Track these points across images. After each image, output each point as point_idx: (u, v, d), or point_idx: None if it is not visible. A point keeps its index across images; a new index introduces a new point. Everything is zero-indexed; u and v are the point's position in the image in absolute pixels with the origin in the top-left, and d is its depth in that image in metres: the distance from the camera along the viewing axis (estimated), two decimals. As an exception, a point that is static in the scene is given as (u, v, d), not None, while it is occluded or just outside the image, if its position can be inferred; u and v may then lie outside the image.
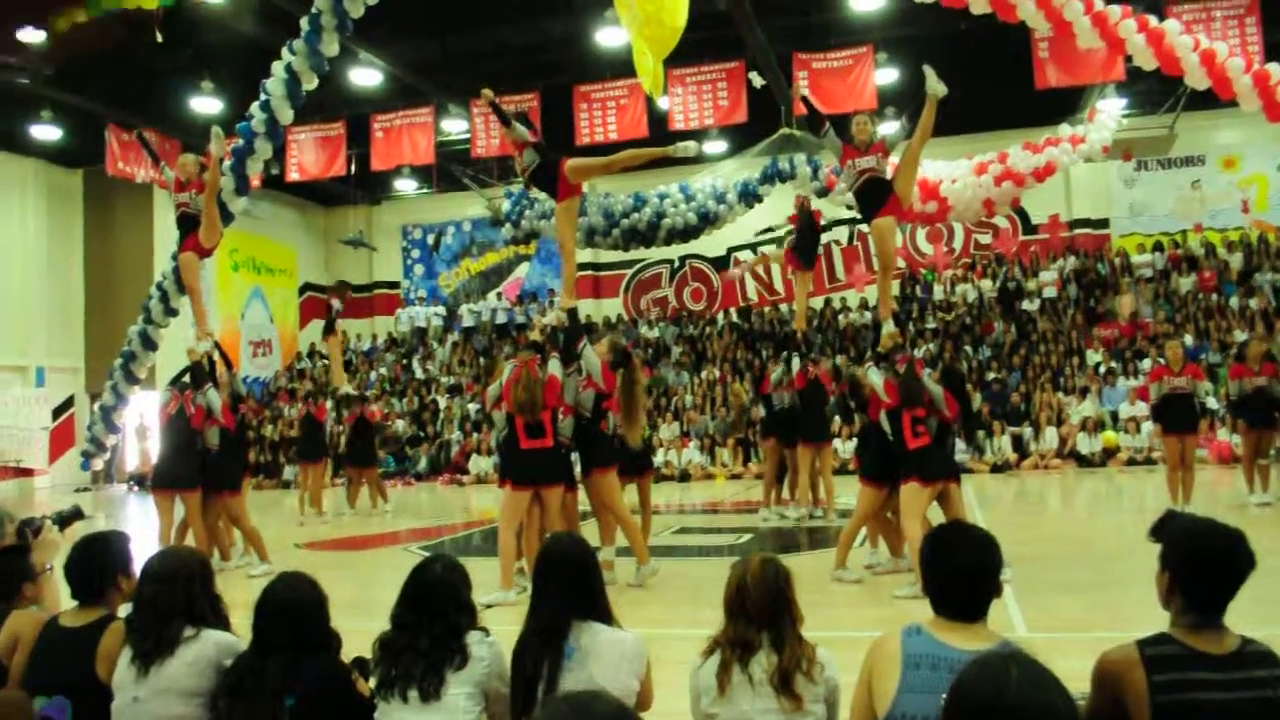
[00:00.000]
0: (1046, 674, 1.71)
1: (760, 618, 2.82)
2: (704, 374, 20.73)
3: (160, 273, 15.74)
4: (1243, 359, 10.89)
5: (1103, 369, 17.78)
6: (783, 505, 11.04)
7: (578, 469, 7.73)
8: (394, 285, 26.71)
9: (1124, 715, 2.38)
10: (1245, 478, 10.56)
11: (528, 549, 7.05)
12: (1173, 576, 2.47)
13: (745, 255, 23.69)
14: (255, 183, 14.85)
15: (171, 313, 15.25)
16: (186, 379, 8.96)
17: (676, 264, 24.39)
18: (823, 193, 16.68)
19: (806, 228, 11.65)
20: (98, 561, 3.31)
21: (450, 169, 20.90)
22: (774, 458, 10.96)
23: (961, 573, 2.55)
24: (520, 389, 7.05)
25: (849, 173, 7.99)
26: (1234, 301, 18.73)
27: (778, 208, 20.83)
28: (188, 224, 9.49)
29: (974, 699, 1.70)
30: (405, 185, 24.30)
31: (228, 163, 12.37)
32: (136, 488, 18.96)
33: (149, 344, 15.84)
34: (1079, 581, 6.93)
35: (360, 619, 3.58)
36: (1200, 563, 2.44)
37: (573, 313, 7.84)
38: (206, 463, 8.62)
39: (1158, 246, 20.97)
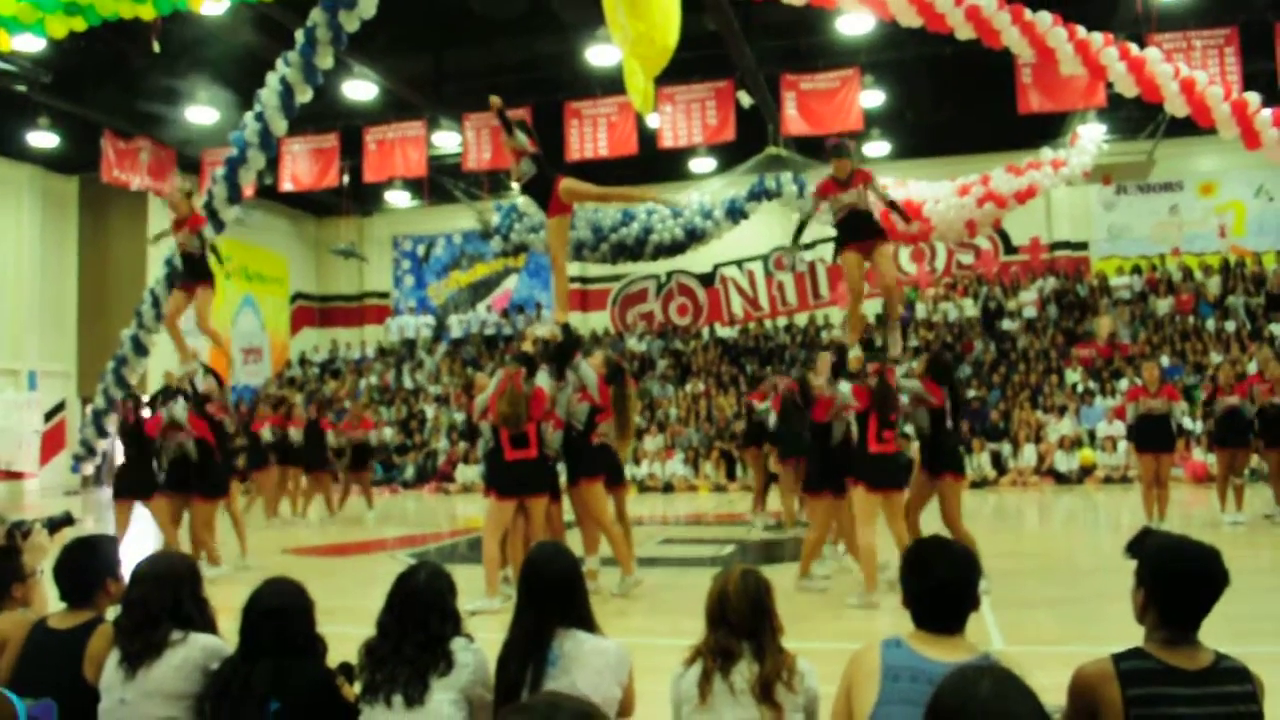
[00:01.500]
0: (1018, 686, 1.75)
1: (741, 627, 2.86)
2: (689, 387, 20.93)
3: (153, 279, 15.85)
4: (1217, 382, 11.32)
5: (1080, 388, 18.06)
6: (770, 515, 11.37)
7: (563, 479, 7.89)
8: (384, 295, 26.81)
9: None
10: (1219, 496, 10.82)
11: (513, 558, 7.15)
12: (1148, 592, 2.50)
13: (731, 271, 23.99)
14: (248, 192, 14.99)
15: (163, 319, 15.36)
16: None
17: (663, 279, 24.60)
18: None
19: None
20: (86, 564, 3.31)
21: (441, 182, 21.06)
22: (757, 466, 11.34)
23: (941, 586, 2.60)
24: (505, 402, 7.15)
25: (832, 206, 8.07)
26: (1210, 324, 19.07)
27: (764, 225, 21.19)
28: (187, 264, 9.67)
29: (944, 709, 1.75)
30: (397, 197, 24.44)
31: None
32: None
33: (141, 349, 15.95)
34: (1055, 596, 7.07)
35: (345, 625, 3.57)
36: (1175, 579, 2.47)
37: (566, 327, 7.98)
38: (190, 470, 8.86)
39: (1136, 269, 21.31)
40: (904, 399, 7.33)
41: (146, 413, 9.31)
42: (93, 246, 21.48)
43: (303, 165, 18.53)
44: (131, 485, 8.88)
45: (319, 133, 18.31)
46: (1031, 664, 2.95)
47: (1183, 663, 2.41)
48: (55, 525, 3.93)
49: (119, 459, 9.47)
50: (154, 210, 21.10)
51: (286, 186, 18.90)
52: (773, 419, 10.62)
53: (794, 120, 16.26)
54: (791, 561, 9.18)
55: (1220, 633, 2.61)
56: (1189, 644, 2.46)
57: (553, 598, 3.09)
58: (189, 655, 3.04)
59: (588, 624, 3.13)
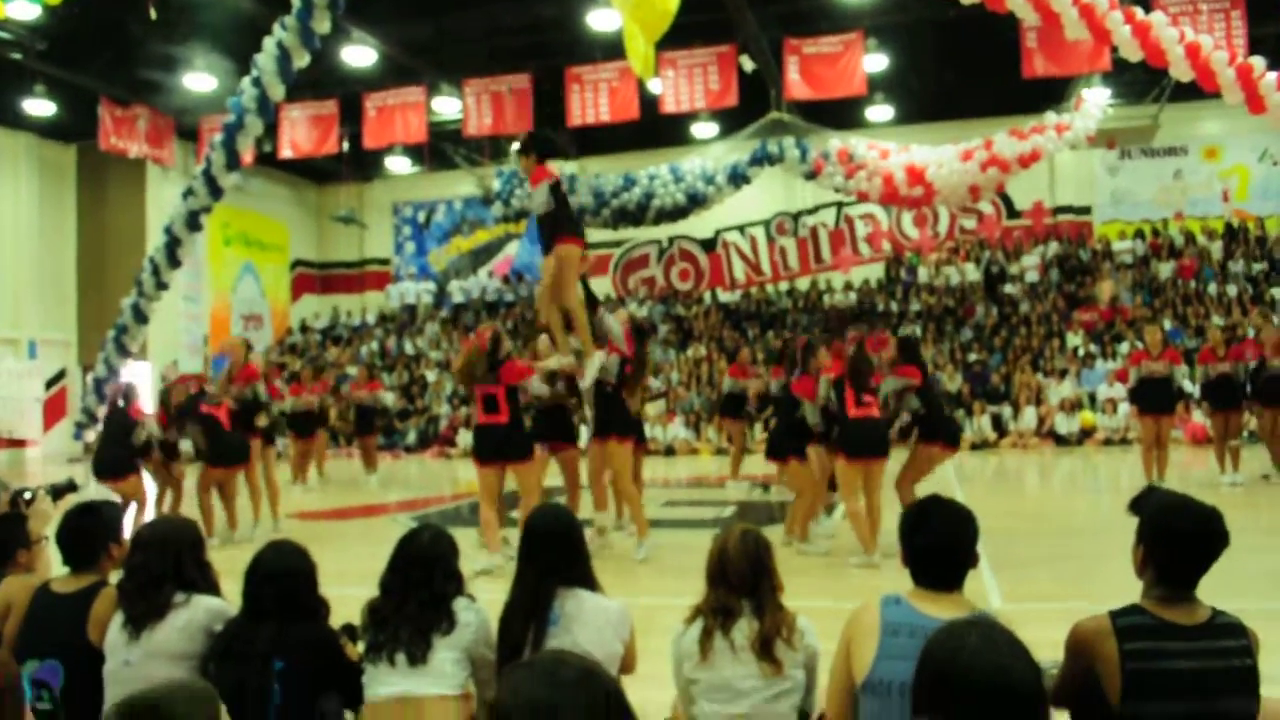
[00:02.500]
0: (1007, 640, 1.75)
1: (741, 586, 2.89)
2: (690, 352, 20.95)
3: (153, 246, 15.82)
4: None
5: (1081, 352, 18.09)
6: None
7: (584, 433, 7.95)
8: (385, 262, 26.77)
9: (1096, 683, 2.47)
10: (1216, 458, 10.88)
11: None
12: (1147, 549, 2.54)
13: (733, 236, 23.94)
14: (247, 159, 14.91)
15: (163, 286, 15.31)
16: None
17: (665, 244, 24.53)
18: (810, 176, 16.89)
19: None
20: (90, 529, 3.35)
21: (442, 148, 20.98)
22: (737, 434, 12.05)
23: (940, 545, 2.64)
24: (461, 356, 7.27)
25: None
26: (1212, 288, 19.04)
27: (766, 190, 21.12)
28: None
29: (933, 661, 1.76)
30: (397, 163, 24.35)
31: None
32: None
33: (141, 317, 15.90)
34: (1054, 555, 7.12)
35: (348, 587, 3.60)
36: (1175, 538, 2.50)
37: (585, 283, 8.06)
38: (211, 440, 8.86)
39: (1139, 234, 21.24)
40: (887, 390, 7.31)
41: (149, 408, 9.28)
42: (91, 215, 21.41)
43: (302, 132, 18.44)
44: (103, 466, 8.76)
45: (318, 99, 18.22)
46: (1030, 621, 2.99)
47: (1179, 618, 2.46)
48: (59, 492, 3.98)
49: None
50: (152, 178, 21.03)
51: (286, 153, 18.83)
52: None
53: (797, 85, 16.15)
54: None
55: (1216, 589, 2.63)
56: (1186, 601, 2.50)
57: (553, 558, 3.13)
58: (193, 617, 3.08)
59: (589, 583, 3.17)
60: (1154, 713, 2.40)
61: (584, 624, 3.03)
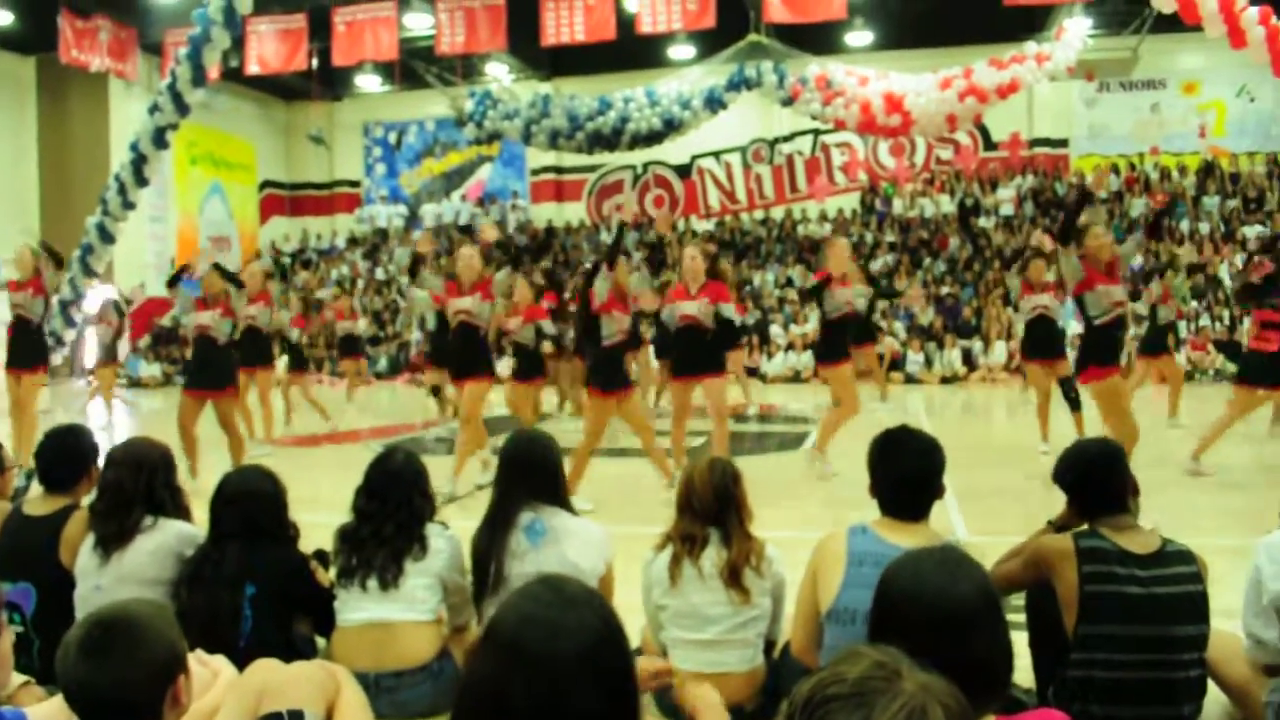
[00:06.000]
0: (962, 563, 1.73)
1: (707, 514, 2.93)
2: (664, 279, 20.84)
3: (118, 164, 15.47)
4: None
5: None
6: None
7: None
8: (355, 184, 26.34)
9: (1050, 596, 2.62)
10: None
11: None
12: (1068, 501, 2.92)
13: (708, 163, 23.72)
14: (213, 75, 14.52)
15: (129, 206, 14.98)
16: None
17: (640, 170, 24.29)
18: (787, 102, 16.68)
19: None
20: (68, 452, 3.36)
21: (413, 66, 20.51)
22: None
23: (907, 475, 2.69)
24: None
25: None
26: (1184, 225, 19.14)
27: (743, 116, 20.86)
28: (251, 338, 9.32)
29: (887, 588, 1.75)
30: (367, 81, 23.82)
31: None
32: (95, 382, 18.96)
33: (107, 237, 15.59)
34: (1019, 488, 7.23)
35: (320, 514, 3.59)
36: (1080, 480, 2.85)
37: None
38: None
39: (1114, 169, 21.25)
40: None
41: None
42: (53, 131, 20.83)
43: (269, 47, 17.93)
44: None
45: (286, 12, 17.69)
46: (995, 552, 3.05)
47: (1135, 547, 2.60)
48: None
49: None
50: (115, 93, 20.45)
51: (253, 69, 18.29)
52: None
53: (776, 8, 15.84)
54: (759, 454, 9.43)
55: (1171, 525, 2.74)
56: (1137, 529, 2.66)
57: (528, 484, 3.17)
58: (163, 541, 3.08)
59: (567, 508, 3.22)
60: (1109, 635, 2.52)
61: (571, 537, 3.08)
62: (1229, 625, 2.91)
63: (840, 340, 7.77)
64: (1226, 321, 16.87)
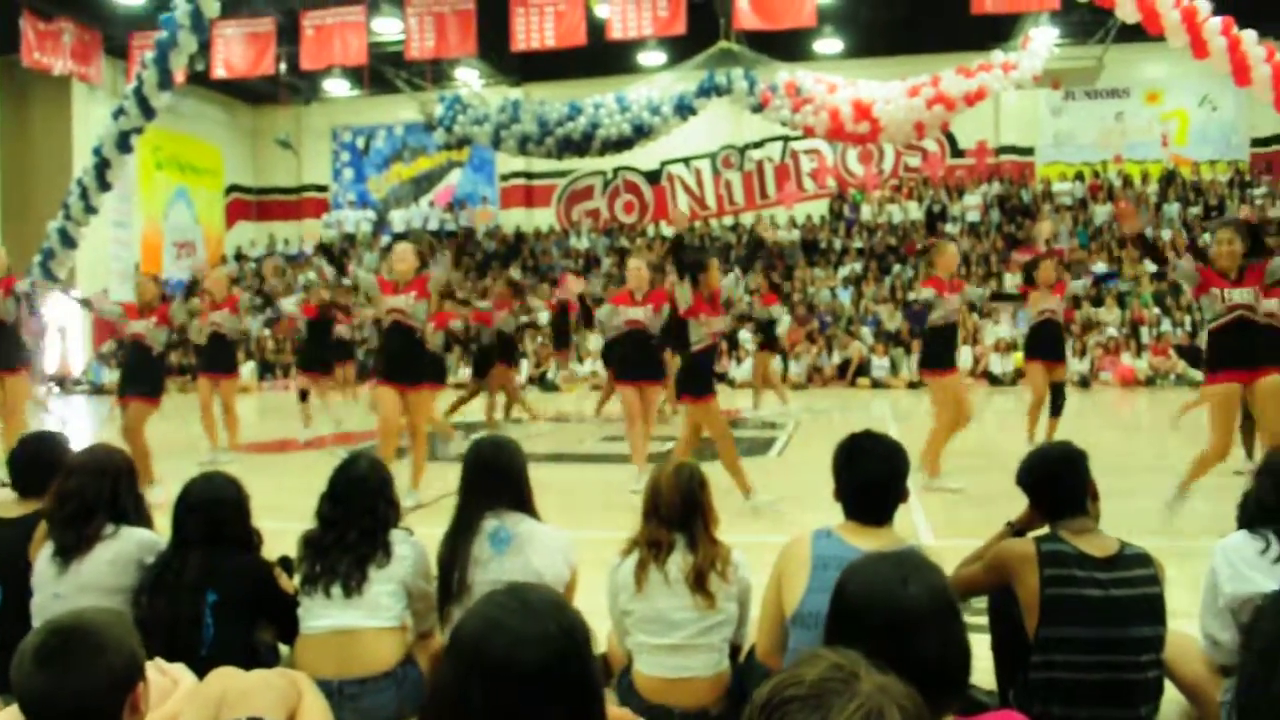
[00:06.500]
0: (917, 568, 1.70)
1: (673, 519, 2.93)
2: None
3: (80, 168, 15.29)
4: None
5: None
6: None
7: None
8: (323, 189, 26.16)
9: (1012, 600, 2.65)
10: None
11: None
12: (1031, 503, 2.95)
13: (678, 169, 23.77)
14: (179, 78, 14.39)
15: (92, 210, 14.80)
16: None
17: (610, 175, 24.32)
18: (757, 108, 16.75)
19: None
20: (44, 457, 3.36)
21: (382, 70, 20.43)
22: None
23: (871, 479, 2.71)
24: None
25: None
26: (1147, 232, 19.39)
27: (713, 122, 20.93)
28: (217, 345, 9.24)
29: (841, 588, 1.73)
30: (336, 86, 23.68)
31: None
32: (57, 389, 18.71)
33: (69, 241, 15.37)
34: (983, 492, 7.21)
35: (284, 521, 3.55)
36: (1042, 482, 2.90)
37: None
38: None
39: (1079, 176, 21.53)
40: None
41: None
42: (14, 135, 20.52)
43: (237, 50, 17.78)
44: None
45: (254, 16, 17.57)
46: (959, 556, 3.08)
47: (1093, 550, 2.63)
48: None
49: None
50: (78, 97, 20.21)
51: (220, 73, 18.15)
52: None
53: (746, 15, 15.93)
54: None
55: (1128, 528, 2.79)
56: (1096, 533, 2.69)
57: (492, 488, 3.17)
58: (123, 549, 3.05)
59: (531, 514, 3.22)
60: (1069, 638, 2.55)
61: (535, 546, 3.08)
62: (1184, 626, 2.96)
63: (946, 348, 7.83)
64: (1188, 327, 17.12)
